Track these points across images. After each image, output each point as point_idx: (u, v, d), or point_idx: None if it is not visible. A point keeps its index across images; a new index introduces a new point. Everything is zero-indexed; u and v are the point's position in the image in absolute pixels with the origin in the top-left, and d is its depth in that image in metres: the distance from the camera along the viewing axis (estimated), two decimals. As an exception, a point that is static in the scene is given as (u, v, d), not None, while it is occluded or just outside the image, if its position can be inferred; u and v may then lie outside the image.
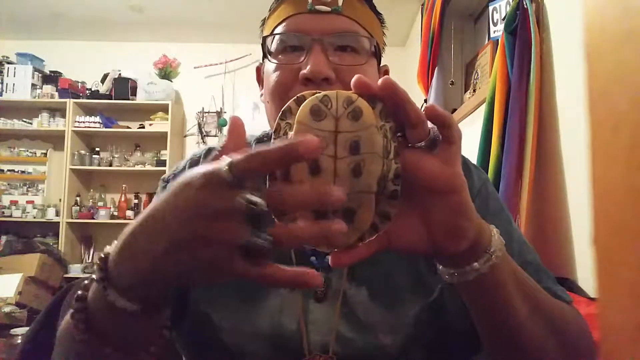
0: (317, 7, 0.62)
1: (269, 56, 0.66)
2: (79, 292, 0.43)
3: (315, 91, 0.41)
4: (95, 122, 3.95)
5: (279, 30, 0.65)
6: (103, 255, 0.41)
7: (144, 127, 4.02)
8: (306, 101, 0.39)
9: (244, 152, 0.35)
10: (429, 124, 0.41)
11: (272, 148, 0.34)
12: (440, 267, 0.47)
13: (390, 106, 0.40)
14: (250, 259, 0.36)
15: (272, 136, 0.42)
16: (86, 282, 0.44)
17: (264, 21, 0.71)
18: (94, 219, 3.92)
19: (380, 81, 0.39)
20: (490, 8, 1.85)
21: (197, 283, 0.39)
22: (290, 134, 0.40)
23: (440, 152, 0.42)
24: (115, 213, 3.99)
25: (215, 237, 0.35)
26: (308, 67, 0.60)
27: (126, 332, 0.43)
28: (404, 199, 0.41)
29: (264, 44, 0.67)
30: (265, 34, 0.68)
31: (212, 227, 0.35)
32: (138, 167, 3.99)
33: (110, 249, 0.40)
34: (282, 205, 0.36)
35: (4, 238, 3.84)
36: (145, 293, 0.39)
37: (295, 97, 0.41)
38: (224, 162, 0.35)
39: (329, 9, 0.62)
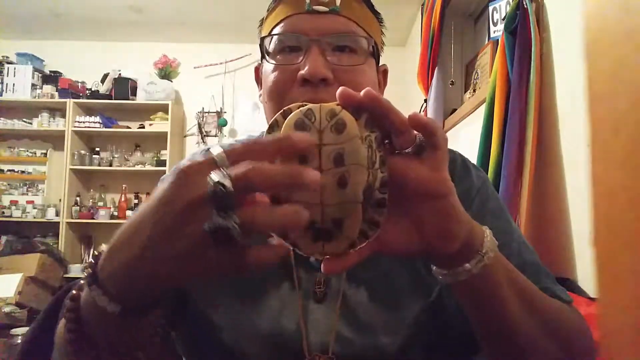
0: (315, 7, 0.62)
1: (267, 56, 0.65)
2: (73, 292, 0.43)
3: (301, 104, 0.41)
4: (95, 122, 3.95)
5: (277, 30, 0.65)
6: (96, 253, 0.40)
7: (144, 127, 4.02)
8: (290, 115, 0.40)
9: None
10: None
11: (265, 140, 0.37)
12: (434, 267, 0.48)
13: (375, 115, 0.41)
14: (224, 247, 0.35)
15: None
16: (82, 282, 0.43)
17: (262, 21, 0.71)
18: (94, 219, 3.91)
19: (362, 92, 0.40)
20: (490, 8, 1.86)
21: (178, 281, 0.38)
22: None
23: (427, 158, 0.42)
24: (115, 213, 3.98)
25: (183, 227, 0.34)
26: (306, 68, 0.60)
27: (114, 334, 0.42)
28: (393, 204, 0.42)
29: (262, 45, 0.66)
30: (263, 34, 0.68)
31: (180, 218, 0.34)
32: (138, 167, 3.99)
33: (104, 247, 0.40)
34: (250, 188, 0.35)
35: (4, 238, 3.83)
36: (126, 294, 0.39)
37: (282, 110, 0.42)
38: (217, 149, 0.36)
39: (326, 9, 0.62)
